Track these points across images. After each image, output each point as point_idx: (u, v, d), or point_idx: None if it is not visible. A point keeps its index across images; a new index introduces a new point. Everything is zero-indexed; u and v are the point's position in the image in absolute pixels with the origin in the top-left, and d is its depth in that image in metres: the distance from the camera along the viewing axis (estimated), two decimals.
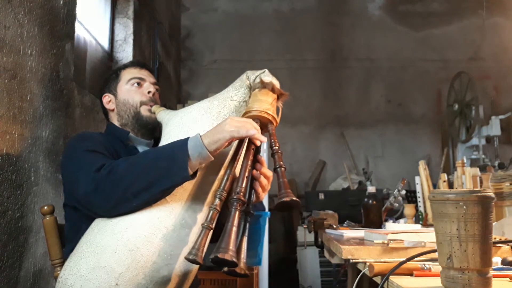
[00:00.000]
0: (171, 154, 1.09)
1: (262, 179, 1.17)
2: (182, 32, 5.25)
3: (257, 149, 1.16)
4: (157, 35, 3.88)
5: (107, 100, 1.46)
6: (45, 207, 1.36)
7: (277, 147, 1.12)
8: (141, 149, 1.41)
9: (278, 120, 1.19)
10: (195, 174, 1.11)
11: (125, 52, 3.21)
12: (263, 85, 1.19)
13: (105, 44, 3.07)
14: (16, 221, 1.51)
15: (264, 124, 1.18)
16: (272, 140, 1.14)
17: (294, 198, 1.02)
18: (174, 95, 4.76)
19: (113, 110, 1.45)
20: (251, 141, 1.12)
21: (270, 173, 1.18)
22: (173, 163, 1.07)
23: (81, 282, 1.05)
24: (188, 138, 1.10)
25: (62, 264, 1.29)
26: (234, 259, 0.98)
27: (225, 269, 1.09)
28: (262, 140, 1.12)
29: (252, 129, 1.10)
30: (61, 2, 1.91)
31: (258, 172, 1.16)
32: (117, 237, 1.08)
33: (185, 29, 5.27)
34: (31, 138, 1.63)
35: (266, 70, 1.24)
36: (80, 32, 2.49)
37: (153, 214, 1.11)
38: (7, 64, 1.47)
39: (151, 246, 1.08)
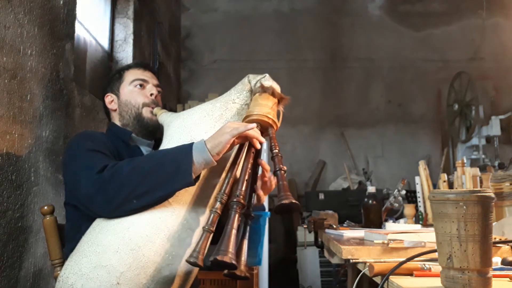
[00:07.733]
0: (176, 159, 1.09)
1: (264, 179, 1.18)
2: (182, 32, 5.25)
3: (258, 153, 1.16)
4: (157, 35, 3.88)
5: (110, 100, 1.46)
6: (45, 207, 1.36)
7: (277, 150, 1.13)
8: (143, 149, 1.41)
9: (278, 124, 1.21)
10: (197, 178, 1.12)
11: (125, 52, 3.21)
12: (263, 89, 1.21)
13: (105, 44, 3.07)
14: (16, 221, 1.51)
15: (264, 128, 1.19)
16: (272, 143, 1.15)
17: (294, 201, 1.03)
18: (174, 95, 4.76)
19: (115, 110, 1.45)
20: (251, 145, 1.13)
21: (267, 167, 1.21)
22: (178, 168, 1.08)
23: (82, 281, 1.05)
24: (193, 143, 1.11)
25: (62, 264, 1.29)
26: (233, 262, 0.98)
27: (225, 271, 1.09)
28: (261, 140, 1.13)
29: (251, 125, 1.10)
30: (61, 2, 1.91)
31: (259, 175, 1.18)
32: (119, 237, 1.08)
33: (185, 29, 5.27)
34: (31, 138, 1.63)
35: (267, 75, 1.26)
36: (80, 32, 2.49)
37: (155, 214, 1.11)
38: (7, 64, 1.47)
39: (153, 246, 1.08)
